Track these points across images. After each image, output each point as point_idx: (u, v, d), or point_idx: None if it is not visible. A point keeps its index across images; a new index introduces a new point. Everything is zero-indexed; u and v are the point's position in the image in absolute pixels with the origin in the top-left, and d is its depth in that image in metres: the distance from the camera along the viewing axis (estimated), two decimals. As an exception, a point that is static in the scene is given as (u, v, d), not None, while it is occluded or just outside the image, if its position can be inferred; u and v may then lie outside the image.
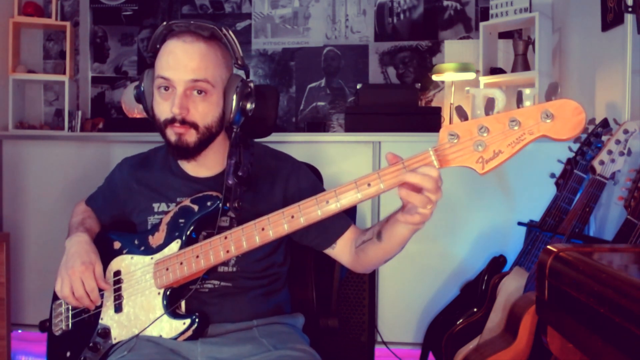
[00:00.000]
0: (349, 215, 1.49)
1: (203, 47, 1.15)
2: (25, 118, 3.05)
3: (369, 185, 0.97)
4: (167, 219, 1.22)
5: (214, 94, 1.17)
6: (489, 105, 0.90)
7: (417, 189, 0.92)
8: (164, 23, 1.18)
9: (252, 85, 1.22)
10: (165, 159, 1.34)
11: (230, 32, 1.18)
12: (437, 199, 0.93)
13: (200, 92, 1.15)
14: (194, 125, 1.16)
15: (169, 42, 1.17)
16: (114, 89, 3.27)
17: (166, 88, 1.16)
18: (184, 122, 1.14)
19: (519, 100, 0.77)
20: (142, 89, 1.22)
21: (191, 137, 1.16)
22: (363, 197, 0.98)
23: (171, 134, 1.17)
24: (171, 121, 1.15)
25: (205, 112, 1.16)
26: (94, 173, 2.56)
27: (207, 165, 1.26)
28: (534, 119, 0.88)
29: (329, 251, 1.25)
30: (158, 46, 1.19)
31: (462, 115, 0.96)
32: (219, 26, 1.17)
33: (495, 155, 0.91)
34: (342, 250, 1.23)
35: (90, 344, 1.21)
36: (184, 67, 1.13)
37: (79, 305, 1.21)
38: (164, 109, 1.17)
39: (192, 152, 1.19)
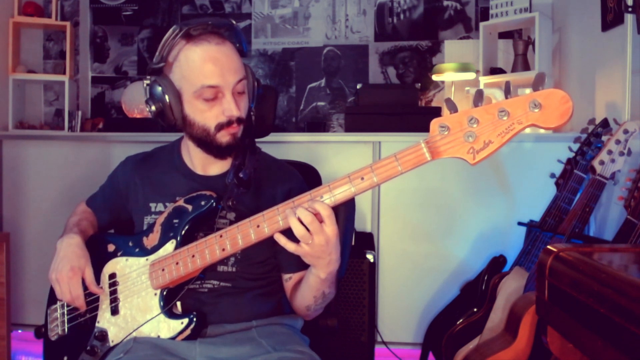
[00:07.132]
0: (348, 213, 1.48)
1: (230, 45, 1.18)
2: (25, 118, 3.05)
3: (362, 179, 0.99)
4: (161, 219, 1.22)
5: (247, 87, 1.21)
6: (477, 97, 0.90)
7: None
8: (176, 28, 1.14)
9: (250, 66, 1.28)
10: (170, 156, 1.34)
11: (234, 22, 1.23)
12: (318, 240, 1.00)
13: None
14: (243, 121, 1.20)
15: (196, 47, 1.14)
16: (114, 89, 3.27)
17: (212, 94, 1.15)
18: (239, 122, 1.18)
19: (507, 92, 0.78)
20: (167, 101, 1.16)
21: (240, 132, 1.20)
22: (357, 190, 1.00)
23: (224, 135, 1.18)
24: (227, 124, 1.17)
25: (245, 106, 1.21)
26: (94, 173, 2.59)
27: (218, 163, 1.27)
28: (522, 109, 0.90)
29: (283, 279, 1.29)
30: (175, 53, 1.15)
31: (452, 107, 0.96)
32: (230, 20, 1.20)
33: (486, 146, 0.92)
34: (292, 284, 1.27)
35: (88, 348, 1.21)
36: (229, 71, 1.15)
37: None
38: (211, 115, 1.16)
39: (237, 146, 1.22)
